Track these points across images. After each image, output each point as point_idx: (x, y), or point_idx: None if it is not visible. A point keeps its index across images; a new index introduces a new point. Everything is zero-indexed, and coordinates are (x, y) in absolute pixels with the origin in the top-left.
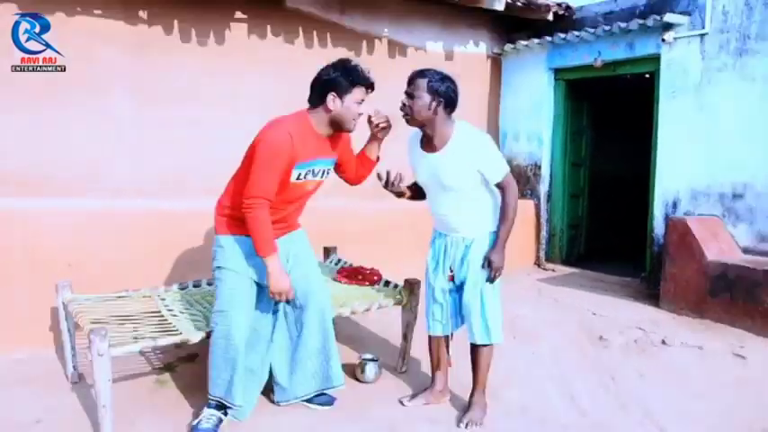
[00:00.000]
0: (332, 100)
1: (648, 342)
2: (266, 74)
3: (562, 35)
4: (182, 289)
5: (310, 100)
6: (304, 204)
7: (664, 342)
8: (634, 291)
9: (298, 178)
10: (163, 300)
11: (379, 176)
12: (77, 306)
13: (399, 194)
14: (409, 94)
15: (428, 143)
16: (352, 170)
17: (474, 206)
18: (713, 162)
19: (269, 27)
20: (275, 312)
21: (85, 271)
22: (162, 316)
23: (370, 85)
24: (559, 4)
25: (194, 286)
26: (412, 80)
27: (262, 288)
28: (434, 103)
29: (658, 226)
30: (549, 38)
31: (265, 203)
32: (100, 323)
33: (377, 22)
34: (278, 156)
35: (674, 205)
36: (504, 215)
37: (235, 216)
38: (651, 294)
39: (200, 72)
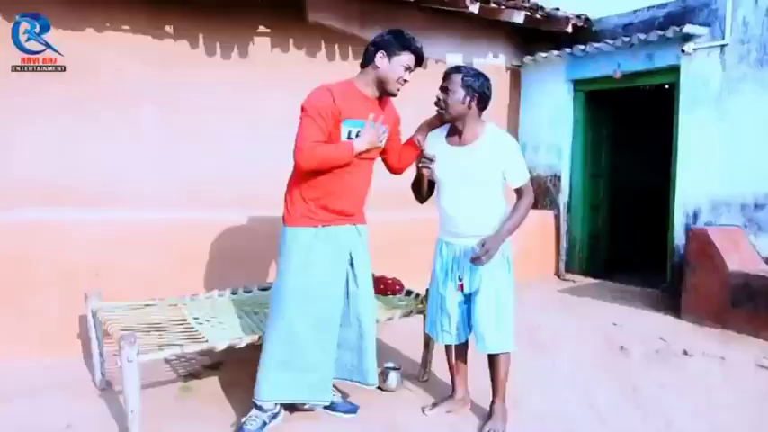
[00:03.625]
0: (380, 58)
1: (670, 352)
2: (289, 87)
3: (581, 47)
4: (222, 295)
5: (362, 63)
6: (367, 182)
7: (685, 352)
8: (655, 301)
9: (348, 136)
10: (189, 308)
11: (418, 141)
12: (106, 314)
13: (421, 172)
14: (444, 89)
15: (456, 137)
16: (396, 155)
17: (488, 210)
18: (734, 172)
19: (291, 41)
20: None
21: (113, 280)
22: (188, 324)
23: (418, 54)
24: (579, 17)
25: (219, 295)
26: (447, 75)
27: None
28: (468, 98)
29: (679, 236)
30: (568, 50)
31: (311, 145)
32: (129, 330)
33: None
34: (315, 108)
35: (695, 216)
36: (516, 212)
37: (294, 203)
38: (672, 305)
39: (223, 85)
